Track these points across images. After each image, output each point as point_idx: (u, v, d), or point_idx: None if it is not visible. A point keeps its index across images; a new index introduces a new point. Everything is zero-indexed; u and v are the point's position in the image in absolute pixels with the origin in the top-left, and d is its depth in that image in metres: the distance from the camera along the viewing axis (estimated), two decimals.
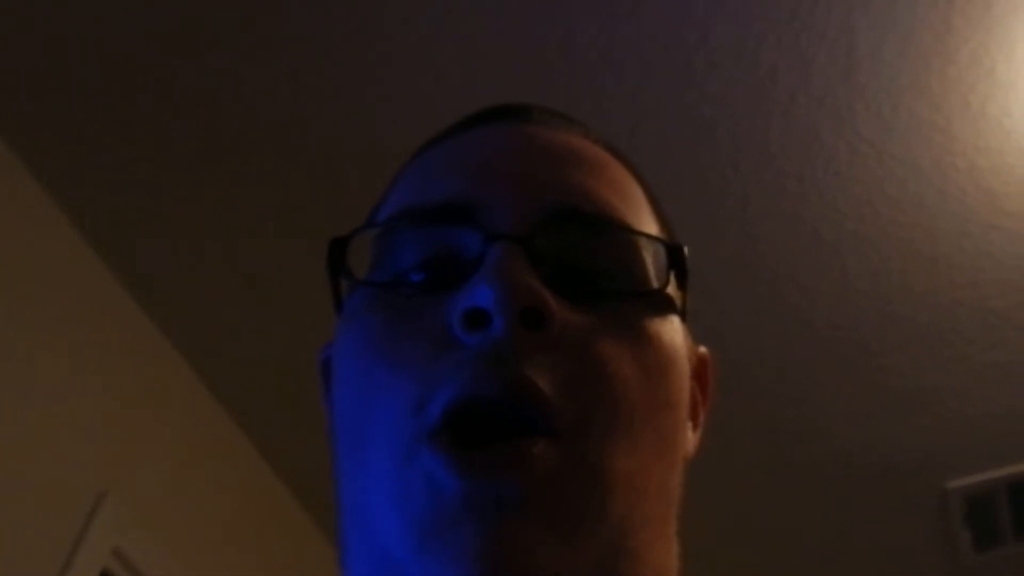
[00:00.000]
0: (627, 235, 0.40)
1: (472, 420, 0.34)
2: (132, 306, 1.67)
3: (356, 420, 0.39)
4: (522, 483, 0.33)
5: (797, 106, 1.41)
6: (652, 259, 0.40)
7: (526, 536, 0.33)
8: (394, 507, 0.35)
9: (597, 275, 0.39)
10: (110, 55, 1.34)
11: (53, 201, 1.52)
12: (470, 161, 0.42)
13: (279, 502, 1.98)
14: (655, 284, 0.40)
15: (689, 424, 0.43)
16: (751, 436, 1.88)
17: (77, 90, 1.37)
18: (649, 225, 0.43)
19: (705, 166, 1.48)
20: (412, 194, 0.42)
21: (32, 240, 1.51)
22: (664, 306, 0.40)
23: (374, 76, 1.36)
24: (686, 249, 0.41)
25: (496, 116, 0.45)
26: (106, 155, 1.46)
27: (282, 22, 1.31)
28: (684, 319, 0.42)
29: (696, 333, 0.44)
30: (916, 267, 1.62)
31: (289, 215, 1.52)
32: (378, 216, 0.45)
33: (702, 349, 0.47)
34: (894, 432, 1.87)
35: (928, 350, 1.74)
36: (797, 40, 1.34)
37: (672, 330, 0.40)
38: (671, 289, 0.41)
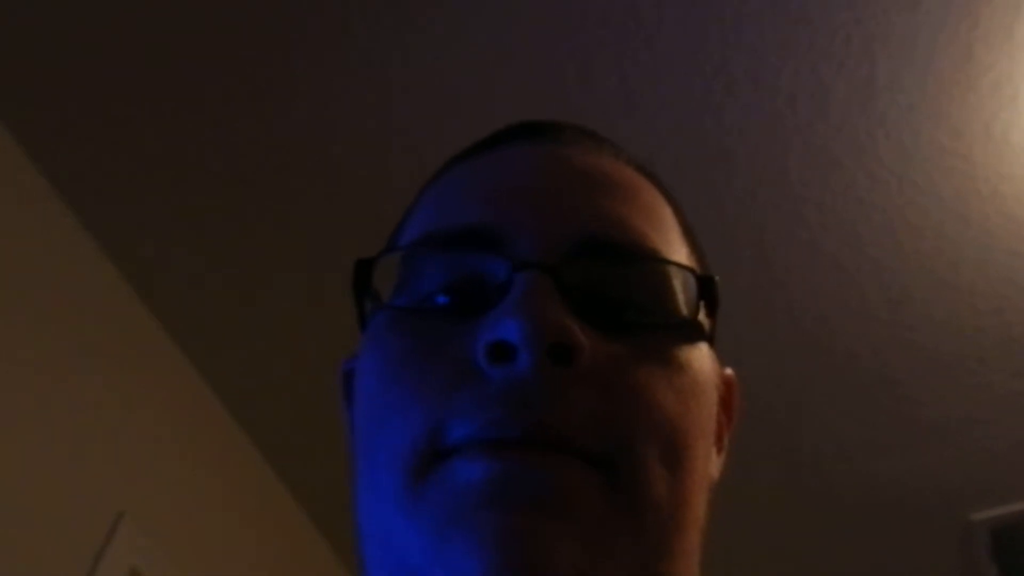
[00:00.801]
0: (658, 265, 0.39)
1: (498, 440, 0.34)
2: (154, 326, 1.69)
3: (371, 439, 0.38)
4: (556, 483, 0.33)
5: (816, 134, 1.41)
6: (682, 288, 0.40)
7: (555, 533, 0.32)
8: (408, 516, 0.35)
9: (627, 305, 0.38)
10: (119, 55, 1.35)
11: (78, 222, 1.54)
12: (497, 183, 0.41)
13: (296, 526, 1.98)
14: (685, 313, 0.39)
15: (714, 448, 0.43)
16: (772, 466, 1.86)
17: (88, 91, 1.39)
18: (679, 251, 0.42)
19: (723, 194, 1.48)
20: (437, 216, 0.42)
21: (55, 259, 1.53)
22: (695, 335, 0.40)
23: (390, 107, 1.37)
24: (717, 279, 0.40)
25: (524, 134, 0.45)
26: (123, 166, 1.48)
27: (301, 49, 1.32)
28: (712, 345, 0.42)
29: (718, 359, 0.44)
30: (938, 295, 1.60)
31: (321, 243, 1.53)
32: (402, 235, 0.44)
33: (728, 371, 0.47)
34: (917, 462, 1.84)
35: (951, 379, 1.71)
36: (815, 69, 1.34)
37: (702, 358, 0.40)
38: (701, 318, 0.40)
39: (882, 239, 1.53)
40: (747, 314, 1.62)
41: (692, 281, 0.40)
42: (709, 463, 0.40)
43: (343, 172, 1.45)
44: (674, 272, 0.40)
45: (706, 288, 0.40)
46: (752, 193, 1.47)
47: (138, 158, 1.45)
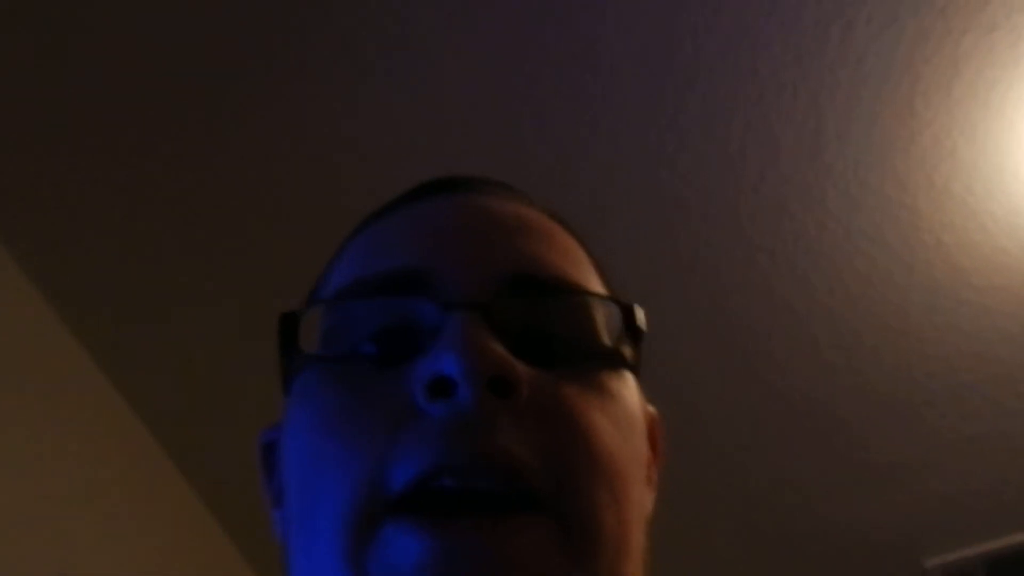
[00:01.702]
0: (580, 297, 0.41)
1: (441, 494, 0.33)
2: (100, 382, 1.65)
3: (305, 502, 0.37)
4: (502, 547, 0.32)
5: (766, 184, 1.45)
6: (605, 320, 0.41)
7: None
8: None
9: (555, 338, 0.39)
10: (74, 107, 1.35)
11: (23, 273, 1.52)
12: (421, 231, 0.42)
13: None
14: (608, 343, 0.40)
15: (645, 482, 0.43)
16: (727, 510, 1.87)
17: (40, 147, 1.38)
18: (598, 287, 0.44)
19: (679, 241, 1.51)
20: (362, 265, 0.42)
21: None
22: (620, 364, 0.41)
23: (346, 151, 1.38)
24: (637, 308, 0.41)
25: (441, 188, 0.45)
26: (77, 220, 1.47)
27: (249, 96, 1.33)
28: (637, 377, 0.43)
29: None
30: (887, 341, 1.64)
31: (270, 293, 1.53)
32: (324, 289, 0.44)
33: (651, 408, 0.47)
34: (871, 508, 1.87)
35: (902, 424, 1.75)
36: (765, 120, 1.38)
37: (630, 387, 0.41)
38: (625, 348, 0.41)
39: (832, 286, 1.57)
40: (703, 359, 1.64)
41: (615, 312, 0.41)
42: (644, 494, 0.41)
43: (290, 217, 1.46)
44: (596, 304, 0.41)
45: (628, 317, 0.41)
46: (706, 241, 1.51)
47: (76, 198, 1.44)
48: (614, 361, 0.40)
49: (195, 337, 1.61)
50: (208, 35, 1.26)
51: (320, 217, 1.44)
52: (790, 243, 1.52)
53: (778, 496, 1.85)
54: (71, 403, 1.60)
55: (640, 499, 0.40)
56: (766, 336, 1.63)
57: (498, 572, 0.31)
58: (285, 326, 0.41)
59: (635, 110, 1.36)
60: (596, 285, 0.44)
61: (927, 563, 1.95)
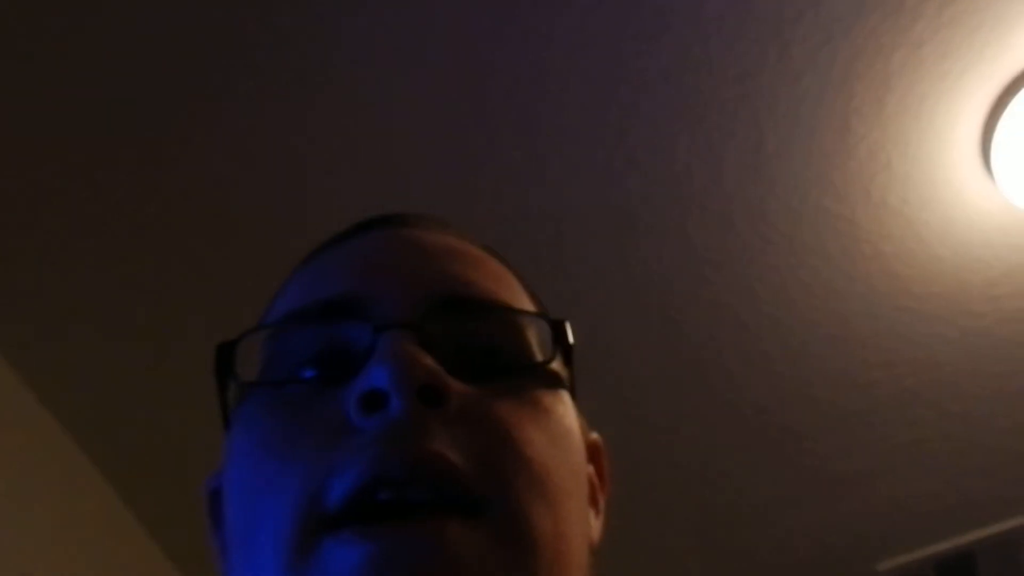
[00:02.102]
0: (510, 314, 0.42)
1: (377, 505, 0.33)
2: (50, 424, 1.62)
3: (245, 526, 0.37)
4: (439, 546, 0.32)
5: (712, 200, 1.49)
6: (536, 337, 0.42)
7: None
8: None
9: (486, 354, 0.40)
10: (18, 148, 1.33)
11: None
12: (355, 261, 0.43)
13: None
14: (540, 359, 0.41)
15: (591, 510, 0.44)
16: (683, 523, 1.89)
17: None
18: (528, 307, 0.45)
19: (629, 258, 1.54)
20: (298, 297, 0.43)
21: None
22: (553, 380, 0.42)
23: (298, 178, 1.39)
24: (568, 324, 0.43)
25: (377, 224, 0.47)
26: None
27: (208, 117, 1.33)
28: (574, 396, 0.44)
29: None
30: (832, 350, 1.68)
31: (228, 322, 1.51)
32: (264, 323, 0.45)
33: (594, 435, 0.48)
34: (824, 516, 1.91)
35: (850, 432, 1.79)
36: (709, 139, 1.42)
37: (564, 403, 0.42)
38: (557, 364, 0.42)
39: (778, 297, 1.61)
40: (656, 373, 1.67)
41: (546, 329, 0.42)
42: (586, 513, 0.42)
43: (239, 237, 1.45)
44: (526, 321, 0.42)
45: (558, 333, 0.42)
46: (657, 256, 1.54)
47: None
48: (547, 377, 0.41)
49: (122, 354, 1.58)
50: (157, 59, 1.25)
51: (270, 241, 1.43)
52: (736, 257, 1.56)
53: (732, 508, 1.88)
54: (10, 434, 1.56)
55: (581, 515, 0.40)
56: (716, 349, 1.66)
57: (435, 569, 0.32)
58: (222, 355, 0.41)
59: (583, 131, 1.39)
60: (526, 303, 0.45)
61: (880, 567, 1.99)
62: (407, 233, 0.45)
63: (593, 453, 0.46)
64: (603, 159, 1.43)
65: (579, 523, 0.40)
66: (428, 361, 0.35)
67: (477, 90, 1.33)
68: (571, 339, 0.42)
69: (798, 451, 1.80)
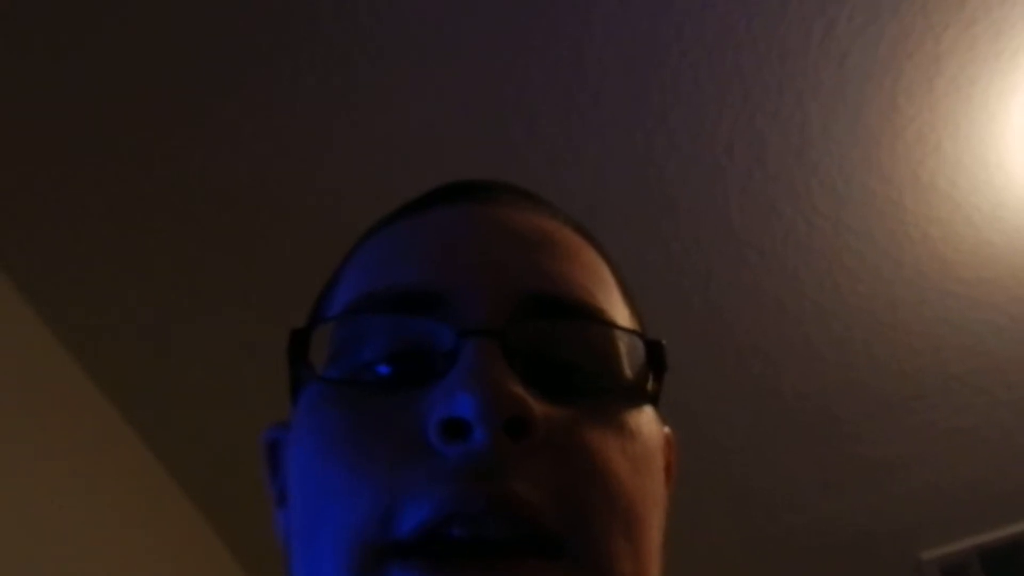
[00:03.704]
0: (604, 328, 0.39)
1: (451, 540, 0.32)
2: (111, 413, 1.65)
3: (310, 524, 0.36)
4: None
5: (754, 182, 1.46)
6: (628, 352, 0.39)
7: None
8: None
9: (574, 369, 0.37)
10: (53, 120, 1.35)
11: (35, 312, 1.51)
12: (436, 244, 0.40)
13: None
14: (629, 375, 0.39)
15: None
16: (724, 509, 1.88)
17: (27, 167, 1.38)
18: (621, 311, 0.42)
19: (668, 241, 1.52)
20: (373, 278, 0.40)
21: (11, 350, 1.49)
22: (641, 399, 0.39)
23: (339, 164, 1.39)
24: (664, 343, 0.40)
25: (458, 195, 0.43)
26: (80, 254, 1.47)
27: (247, 104, 1.34)
28: (656, 407, 0.41)
29: (665, 407, 0.44)
30: (877, 336, 1.65)
31: (264, 304, 1.53)
32: (332, 300, 0.42)
33: (666, 430, 0.45)
34: (866, 502, 1.88)
35: (894, 418, 1.76)
36: (752, 120, 1.39)
37: (651, 423, 0.40)
38: (648, 382, 0.40)
39: (822, 282, 1.58)
40: (696, 359, 1.65)
41: (640, 345, 0.40)
42: (661, 531, 0.40)
43: (284, 227, 1.46)
44: (619, 334, 0.39)
45: (655, 353, 0.40)
46: (696, 240, 1.52)
47: (71, 217, 1.44)
48: (638, 398, 0.39)
49: (187, 345, 1.60)
50: (193, 45, 1.26)
51: (310, 226, 1.44)
52: (779, 241, 1.53)
53: (773, 493, 1.86)
54: (54, 411, 1.59)
55: (658, 538, 0.38)
56: (758, 334, 1.64)
57: None
58: (295, 343, 0.39)
59: (623, 112, 1.38)
60: (619, 305, 0.42)
61: (924, 556, 1.96)
62: (494, 212, 0.41)
63: (667, 451, 0.44)
64: (643, 142, 1.41)
65: (657, 550, 0.38)
66: (515, 387, 0.33)
67: (516, 75, 1.32)
68: (665, 362, 0.40)
69: (840, 436, 1.78)
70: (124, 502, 1.68)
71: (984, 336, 1.65)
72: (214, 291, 1.52)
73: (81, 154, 1.36)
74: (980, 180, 1.47)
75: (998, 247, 1.54)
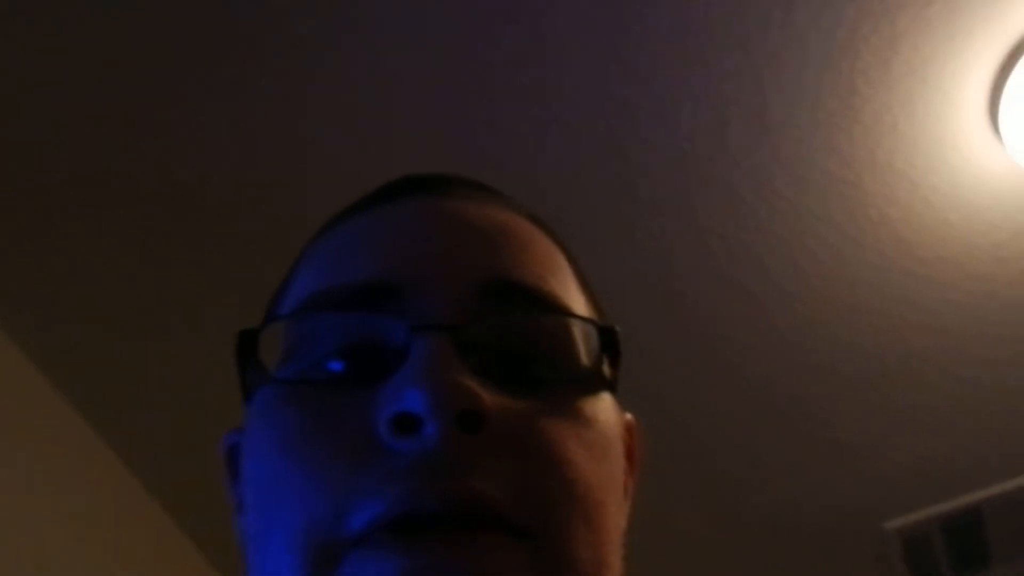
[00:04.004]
0: (559, 317, 0.39)
1: (407, 527, 0.31)
2: (63, 405, 1.61)
3: (263, 528, 0.35)
4: (475, 567, 0.31)
5: (716, 168, 1.46)
6: (583, 339, 0.39)
7: None
8: None
9: (529, 360, 0.37)
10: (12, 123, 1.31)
11: None
12: (388, 239, 0.39)
13: None
14: (586, 364, 0.39)
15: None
16: (693, 492, 1.89)
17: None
18: (577, 300, 0.42)
19: (632, 228, 1.51)
20: (325, 275, 0.39)
21: None
22: (598, 387, 0.39)
23: (295, 148, 1.36)
24: (619, 329, 0.40)
25: (411, 189, 0.43)
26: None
27: (209, 93, 1.30)
28: (615, 393, 0.41)
29: (631, 393, 0.44)
30: (839, 317, 1.67)
31: (233, 311, 1.50)
32: (285, 298, 0.42)
33: (628, 416, 0.45)
34: (830, 479, 1.91)
35: (857, 397, 1.78)
36: (712, 106, 1.39)
37: (608, 410, 0.40)
38: (605, 368, 0.40)
39: (784, 266, 1.59)
40: (661, 344, 1.66)
41: (594, 332, 0.39)
42: (621, 516, 0.40)
43: (253, 216, 1.43)
44: (575, 323, 0.39)
45: (608, 339, 0.39)
46: (661, 227, 1.52)
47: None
48: (594, 385, 0.39)
49: (157, 350, 1.57)
50: (152, 41, 1.22)
51: (274, 218, 1.42)
52: (741, 226, 1.53)
53: (741, 475, 1.88)
54: (22, 420, 1.55)
55: (617, 525, 0.39)
56: (722, 318, 1.65)
57: None
58: (243, 344, 0.38)
59: (584, 100, 1.37)
60: (575, 294, 0.42)
61: (887, 527, 1.99)
62: (447, 205, 0.41)
63: (626, 438, 0.44)
64: (605, 128, 1.40)
65: (617, 534, 0.38)
66: (467, 380, 0.32)
67: (477, 61, 1.30)
68: (620, 348, 0.40)
69: (805, 418, 1.80)
70: (91, 506, 1.64)
71: (943, 314, 1.67)
72: (180, 295, 1.49)
73: (45, 160, 1.31)
74: (936, 160, 1.49)
75: (955, 226, 1.56)
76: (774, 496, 1.91)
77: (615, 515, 0.38)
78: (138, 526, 1.76)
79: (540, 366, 0.37)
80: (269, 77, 1.28)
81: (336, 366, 0.36)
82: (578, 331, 0.39)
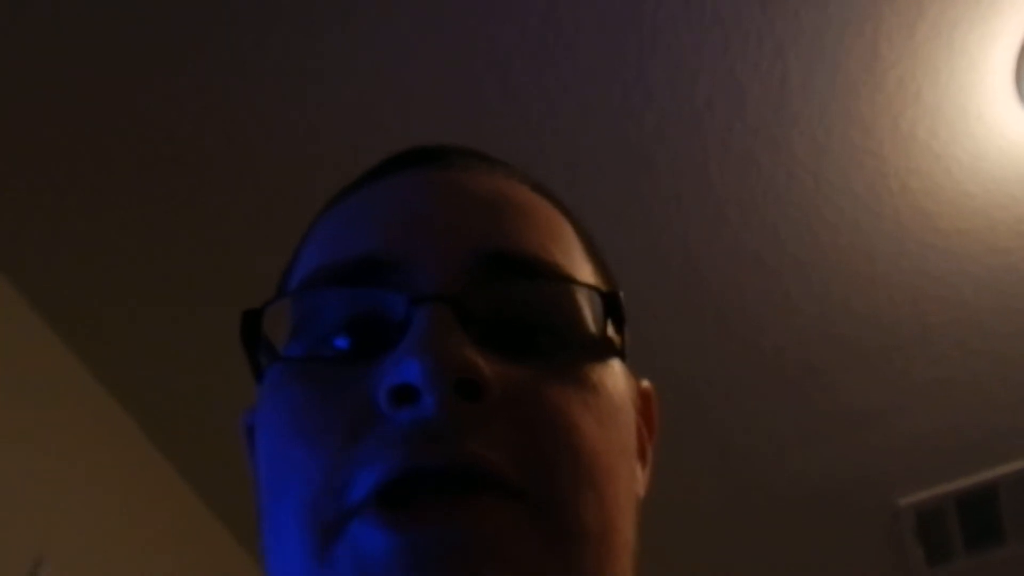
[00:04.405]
0: (561, 284, 0.38)
1: (407, 492, 0.31)
2: (71, 360, 1.61)
3: (273, 500, 0.36)
4: (472, 530, 0.31)
5: (734, 136, 1.44)
6: (588, 306, 0.39)
7: None
8: None
9: (533, 328, 0.37)
10: (47, 101, 1.30)
11: (31, 305, 1.47)
12: (389, 212, 0.39)
13: (232, 565, 1.92)
14: (593, 331, 0.38)
15: (638, 464, 0.41)
16: (704, 462, 1.89)
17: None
18: (583, 267, 0.41)
19: (647, 198, 1.49)
20: (328, 250, 0.40)
21: None
22: (604, 353, 0.39)
23: (312, 125, 1.35)
24: (622, 294, 0.39)
25: (413, 161, 0.43)
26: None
27: (218, 71, 1.29)
28: (624, 360, 0.41)
29: (645, 363, 0.43)
30: (856, 288, 1.65)
31: (250, 280, 1.49)
32: (293, 275, 0.42)
33: (644, 383, 0.45)
34: (844, 452, 1.89)
35: (872, 369, 1.77)
36: (731, 72, 1.36)
37: (615, 375, 0.39)
38: (610, 335, 0.39)
39: (801, 235, 1.57)
40: (676, 315, 1.64)
41: (598, 298, 0.39)
42: (634, 482, 0.39)
43: (259, 189, 1.42)
44: (578, 290, 0.38)
45: (611, 304, 0.39)
46: (676, 196, 1.50)
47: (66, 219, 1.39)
48: (600, 352, 0.38)
49: (173, 322, 1.57)
50: (155, 13, 1.21)
51: (282, 190, 1.40)
52: (759, 195, 1.51)
53: (753, 446, 1.87)
54: (44, 386, 1.56)
55: (629, 490, 0.38)
56: (737, 289, 1.63)
57: (470, 558, 0.30)
58: (247, 324, 0.39)
59: (599, 67, 1.34)
60: (581, 263, 0.41)
61: (900, 502, 1.98)
62: (447, 176, 0.41)
63: (643, 405, 0.44)
64: (620, 96, 1.38)
65: (627, 501, 0.37)
66: (464, 348, 0.32)
67: (488, 32, 1.28)
68: (624, 312, 0.39)
69: (817, 388, 1.78)
70: (124, 489, 1.66)
71: (961, 287, 1.65)
72: (210, 279, 1.49)
73: (72, 148, 1.30)
74: (960, 130, 1.45)
75: (977, 198, 1.53)
76: (787, 469, 1.90)
77: (626, 480, 0.38)
78: (171, 510, 1.78)
79: (543, 334, 0.37)
80: (277, 47, 1.26)
81: (341, 342, 0.37)
82: (582, 298, 0.38)
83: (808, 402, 1.80)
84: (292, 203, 1.39)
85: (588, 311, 0.38)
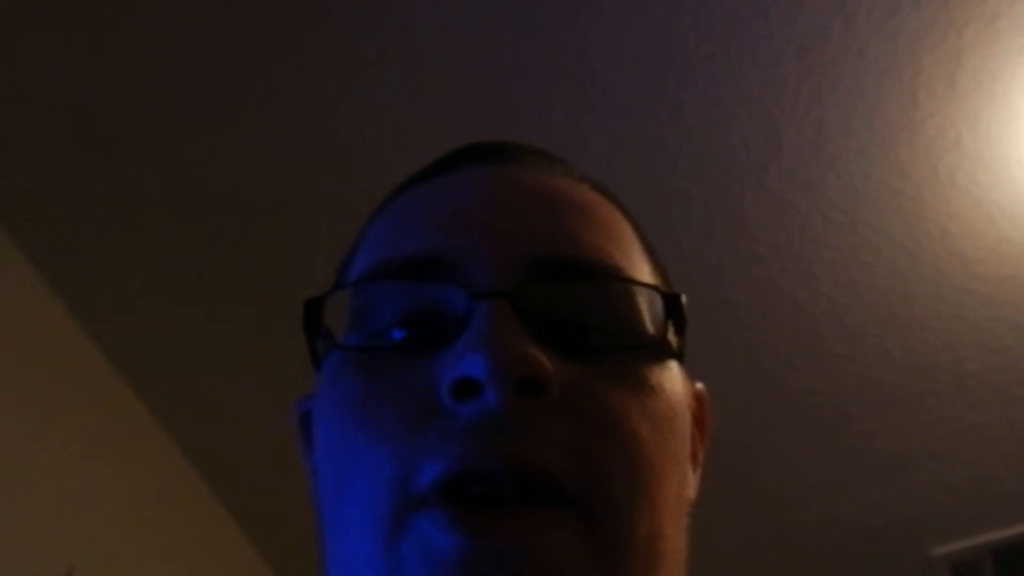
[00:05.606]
0: (621, 284, 0.38)
1: (467, 493, 0.32)
2: (105, 370, 1.65)
3: (337, 492, 0.37)
4: (531, 549, 0.31)
5: (770, 176, 1.44)
6: (648, 306, 0.38)
7: None
8: None
9: (591, 328, 0.37)
10: (77, 102, 1.35)
11: (30, 263, 1.52)
12: (448, 209, 0.39)
13: None
14: (651, 332, 0.38)
15: (690, 467, 0.41)
16: (733, 505, 1.87)
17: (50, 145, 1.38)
18: (642, 267, 0.41)
19: (681, 235, 1.50)
20: (387, 246, 0.40)
21: (9, 310, 1.50)
22: (663, 355, 0.38)
23: (346, 149, 1.38)
24: (683, 297, 0.39)
25: (472, 157, 0.43)
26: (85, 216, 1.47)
27: (257, 93, 1.33)
28: (682, 362, 0.41)
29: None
30: (892, 331, 1.63)
31: (279, 289, 1.53)
32: (351, 267, 0.43)
33: (699, 385, 0.45)
34: (876, 498, 1.87)
35: (907, 414, 1.74)
36: (768, 113, 1.37)
37: (674, 378, 0.39)
38: (670, 336, 0.39)
39: (837, 277, 1.56)
40: (706, 354, 1.64)
41: (658, 299, 0.39)
42: (685, 487, 0.39)
43: (291, 214, 1.45)
44: (638, 290, 0.38)
45: (672, 306, 0.39)
46: (709, 234, 1.50)
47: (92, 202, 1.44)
48: (659, 353, 0.38)
49: (205, 332, 1.61)
50: (206, 33, 1.25)
51: (320, 214, 1.44)
52: (794, 236, 1.51)
53: (783, 490, 1.85)
54: (77, 397, 1.60)
55: (680, 496, 0.38)
56: (771, 330, 1.62)
57: (530, 570, 0.31)
58: (309, 312, 0.39)
59: (636, 105, 1.36)
60: (640, 265, 0.41)
61: (933, 552, 1.95)
62: (506, 173, 0.41)
63: (696, 407, 0.44)
64: (656, 134, 1.39)
65: (678, 507, 0.38)
66: (528, 347, 0.33)
67: (525, 63, 1.30)
68: (685, 314, 0.39)
69: (849, 432, 1.76)
70: (155, 502, 1.69)
71: (1000, 334, 1.63)
72: (242, 286, 1.52)
73: (106, 144, 1.35)
74: (1001, 176, 1.44)
75: (1017, 244, 1.51)
76: (815, 514, 1.88)
77: (678, 486, 0.38)
78: (199, 523, 1.81)
79: (600, 334, 0.37)
80: (319, 74, 1.29)
81: (399, 334, 0.37)
82: (642, 298, 0.38)
83: (840, 445, 1.78)
84: (321, 205, 1.42)
85: (647, 312, 0.38)
